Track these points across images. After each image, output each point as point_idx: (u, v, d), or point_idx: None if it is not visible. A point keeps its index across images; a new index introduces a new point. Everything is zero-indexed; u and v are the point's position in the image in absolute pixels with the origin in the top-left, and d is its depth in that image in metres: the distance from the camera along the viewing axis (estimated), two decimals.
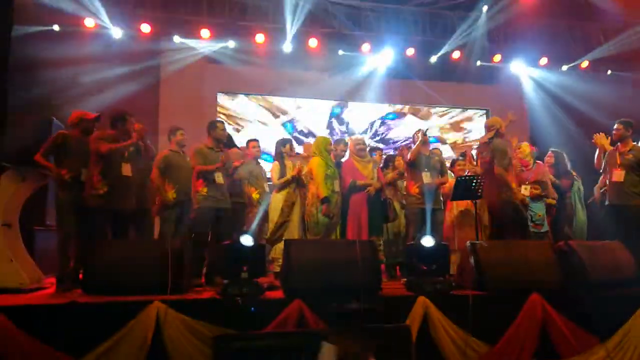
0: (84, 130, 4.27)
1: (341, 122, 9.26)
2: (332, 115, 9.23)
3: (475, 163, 5.07)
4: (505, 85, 9.53)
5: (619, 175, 4.62)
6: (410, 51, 8.91)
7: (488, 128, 5.03)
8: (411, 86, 9.34)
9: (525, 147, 5.38)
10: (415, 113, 9.70)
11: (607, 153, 4.89)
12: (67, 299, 3.35)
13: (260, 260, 3.65)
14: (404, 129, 9.47)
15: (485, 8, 8.69)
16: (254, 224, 4.22)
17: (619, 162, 4.68)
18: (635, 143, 4.81)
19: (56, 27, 7.41)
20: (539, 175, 5.18)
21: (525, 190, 4.93)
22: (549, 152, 5.73)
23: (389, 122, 9.56)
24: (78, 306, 3.25)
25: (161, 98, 8.33)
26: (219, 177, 4.55)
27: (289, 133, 8.67)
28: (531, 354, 3.64)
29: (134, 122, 4.47)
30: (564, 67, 9.43)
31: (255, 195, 5.17)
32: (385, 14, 8.81)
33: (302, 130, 8.93)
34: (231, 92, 8.88)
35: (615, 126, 4.83)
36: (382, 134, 9.43)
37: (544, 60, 9.31)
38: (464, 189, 4.77)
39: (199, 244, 4.35)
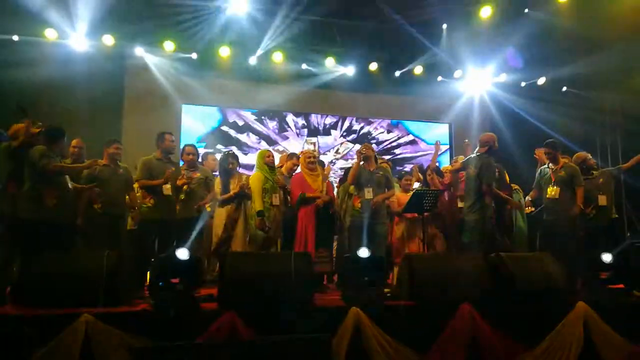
0: (23, 144, 4.28)
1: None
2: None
3: (419, 177, 5.26)
4: (466, 100, 9.81)
5: (554, 191, 4.86)
6: (374, 66, 9.12)
7: (483, 143, 5.15)
8: (373, 100, 9.57)
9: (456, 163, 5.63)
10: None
11: (540, 170, 5.16)
12: None
13: (195, 273, 3.70)
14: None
15: (445, 26, 8.99)
16: (191, 237, 4.27)
17: (553, 179, 4.93)
18: (565, 160, 5.08)
19: (15, 37, 7.42)
20: None
21: (461, 203, 5.11)
22: None
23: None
24: (7, 318, 3.26)
25: (126, 110, 8.35)
26: (167, 189, 4.60)
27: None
28: None
29: (73, 140, 4.53)
30: (523, 84, 9.75)
31: (207, 208, 5.22)
32: (348, 29, 9.02)
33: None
34: (196, 103, 8.96)
35: (544, 150, 5.10)
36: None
37: (503, 76, 9.60)
38: (417, 202, 4.96)
39: (141, 256, 4.39)
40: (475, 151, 5.25)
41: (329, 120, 9.64)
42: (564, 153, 5.53)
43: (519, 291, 4.01)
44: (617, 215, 5.63)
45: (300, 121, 9.48)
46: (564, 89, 9.65)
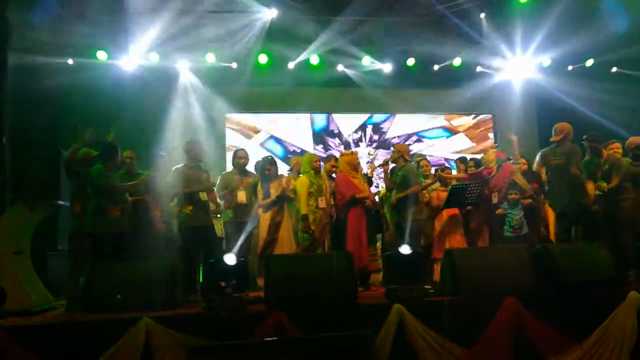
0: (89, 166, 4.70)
1: (332, 134, 9.49)
2: (317, 129, 9.50)
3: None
4: (507, 88, 9.58)
5: (602, 186, 4.79)
6: (411, 61, 9.09)
7: (558, 132, 5.09)
8: (411, 95, 9.54)
9: (491, 153, 5.53)
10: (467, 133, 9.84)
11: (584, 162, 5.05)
12: (68, 318, 3.69)
13: (243, 276, 3.90)
14: (397, 129, 9.67)
15: (482, 14, 8.84)
16: (238, 243, 4.48)
17: (599, 175, 4.84)
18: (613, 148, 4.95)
19: (70, 61, 7.95)
20: (505, 178, 5.28)
21: (494, 198, 5.06)
22: (521, 158, 5.85)
23: (381, 125, 9.71)
24: (76, 324, 3.58)
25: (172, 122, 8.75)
26: (203, 195, 4.85)
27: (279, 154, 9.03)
28: (507, 356, 3.75)
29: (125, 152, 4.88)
30: (570, 67, 9.41)
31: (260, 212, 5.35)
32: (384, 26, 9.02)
33: (293, 150, 9.24)
34: (241, 111, 9.27)
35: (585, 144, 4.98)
36: (378, 139, 9.59)
37: (546, 61, 9.30)
38: (456, 198, 4.96)
39: (188, 261, 4.66)
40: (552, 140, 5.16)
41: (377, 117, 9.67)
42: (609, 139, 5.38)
43: (566, 282, 3.96)
44: None
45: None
46: (614, 69, 9.21)
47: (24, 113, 6.24)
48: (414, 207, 5.07)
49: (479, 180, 5.36)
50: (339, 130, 9.54)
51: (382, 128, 9.66)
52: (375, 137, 9.58)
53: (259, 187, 5.05)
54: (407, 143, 9.48)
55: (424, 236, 5.31)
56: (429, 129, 9.79)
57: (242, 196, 4.98)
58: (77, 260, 4.67)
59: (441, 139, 9.75)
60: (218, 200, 5.25)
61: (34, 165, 4.67)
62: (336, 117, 9.57)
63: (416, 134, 9.71)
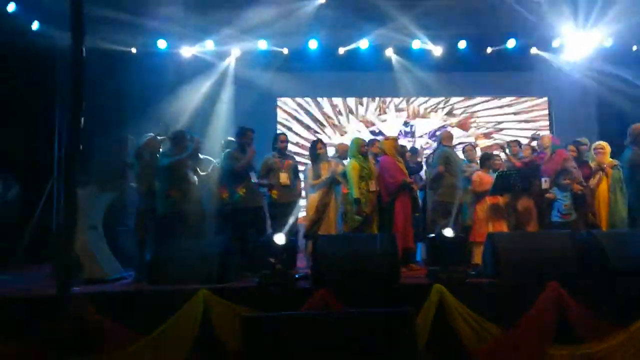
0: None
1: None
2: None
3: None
4: (564, 70, 9.25)
5: None
6: (462, 44, 8.97)
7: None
8: (464, 78, 9.41)
9: (547, 139, 5.47)
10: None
11: None
12: (136, 288, 4.11)
13: (291, 255, 4.17)
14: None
15: None
16: (288, 224, 4.75)
17: None
18: None
19: (134, 50, 8.45)
20: (557, 164, 5.23)
21: (545, 184, 5.03)
22: (571, 145, 5.74)
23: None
24: (144, 293, 3.99)
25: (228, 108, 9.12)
26: (284, 178, 5.17)
27: None
28: (549, 339, 3.82)
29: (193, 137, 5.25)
30: (634, 47, 8.95)
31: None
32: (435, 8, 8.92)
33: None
34: (293, 96, 9.53)
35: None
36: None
37: (609, 41, 8.86)
38: (502, 184, 5.01)
39: (242, 239, 4.99)
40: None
41: (430, 102, 9.67)
42: None
43: (612, 269, 3.95)
44: None
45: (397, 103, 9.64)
46: None
47: (94, 99, 6.78)
48: (441, 188, 5.33)
49: (529, 167, 5.36)
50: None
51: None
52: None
53: (309, 167, 5.23)
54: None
55: (461, 218, 5.41)
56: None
57: (284, 178, 5.21)
58: (143, 236, 5.14)
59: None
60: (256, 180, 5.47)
61: (103, 149, 5.12)
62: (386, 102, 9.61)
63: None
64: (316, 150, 5.46)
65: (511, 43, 8.91)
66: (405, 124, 9.58)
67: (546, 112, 9.73)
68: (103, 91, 7.02)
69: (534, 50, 9.06)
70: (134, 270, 4.97)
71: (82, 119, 3.47)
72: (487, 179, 5.26)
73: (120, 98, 7.27)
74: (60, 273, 3.29)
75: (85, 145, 3.58)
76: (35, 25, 7.25)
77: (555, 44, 8.96)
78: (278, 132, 5.76)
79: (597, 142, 5.70)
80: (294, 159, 5.61)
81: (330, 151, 6.25)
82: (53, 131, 7.12)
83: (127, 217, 5.72)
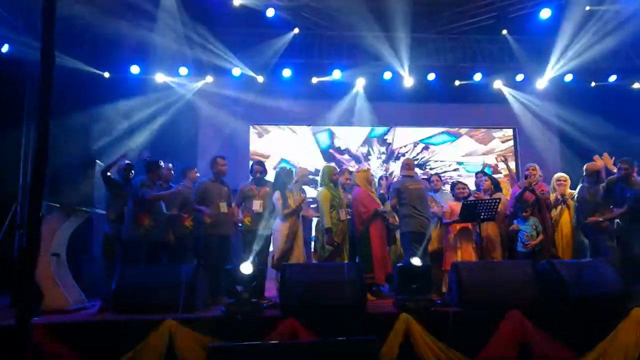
0: (124, 177, 5.23)
1: (339, 151, 9.72)
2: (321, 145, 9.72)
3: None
4: (528, 103, 9.67)
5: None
6: (432, 76, 9.27)
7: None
8: (432, 110, 9.71)
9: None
10: (471, 135, 9.97)
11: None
12: (100, 317, 4.02)
13: (259, 283, 4.17)
14: (402, 139, 9.87)
15: (505, 31, 8.99)
16: (253, 252, 4.75)
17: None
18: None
19: (106, 74, 8.43)
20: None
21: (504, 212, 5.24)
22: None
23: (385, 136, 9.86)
24: (106, 323, 3.90)
25: (200, 136, 9.13)
26: (223, 207, 5.17)
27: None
28: None
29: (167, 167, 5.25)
30: (593, 84, 9.44)
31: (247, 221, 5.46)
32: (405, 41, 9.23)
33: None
34: (264, 124, 9.61)
35: (622, 166, 5.10)
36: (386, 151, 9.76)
37: (569, 77, 9.32)
38: (469, 213, 5.13)
39: (210, 268, 4.95)
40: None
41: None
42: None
43: (571, 297, 4.08)
44: None
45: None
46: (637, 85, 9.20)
47: (62, 123, 6.73)
48: (399, 220, 5.50)
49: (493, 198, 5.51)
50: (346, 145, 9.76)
51: (386, 139, 9.80)
52: (382, 149, 9.72)
53: (278, 196, 5.29)
54: (414, 152, 9.75)
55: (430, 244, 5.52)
56: (434, 135, 9.92)
57: (256, 205, 5.24)
58: (110, 264, 5.06)
59: (446, 144, 9.88)
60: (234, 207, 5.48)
61: (69, 174, 5.05)
62: (339, 132, 9.76)
63: (421, 141, 9.85)
64: (284, 178, 5.48)
65: (478, 77, 9.27)
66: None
67: (511, 143, 10.05)
68: (72, 116, 6.99)
69: (497, 84, 9.42)
70: (100, 299, 4.86)
71: (48, 142, 3.41)
72: (458, 208, 5.38)
73: (90, 123, 7.18)
74: (20, 302, 3.19)
75: (52, 169, 3.54)
76: (5, 48, 7.20)
77: (518, 78, 9.37)
78: (254, 160, 5.76)
79: (559, 174, 5.90)
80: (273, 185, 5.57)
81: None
82: (19, 155, 7.00)
83: (92, 245, 5.63)
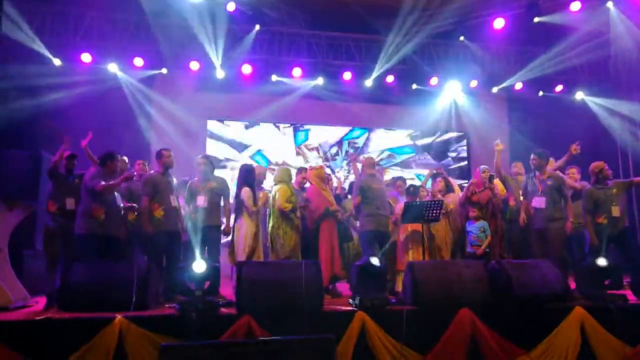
0: (67, 168, 4.94)
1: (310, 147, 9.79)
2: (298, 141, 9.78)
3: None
4: (480, 108, 10.02)
5: (540, 201, 5.07)
6: (390, 78, 9.41)
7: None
8: (388, 111, 9.87)
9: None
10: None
11: (525, 179, 5.37)
12: (44, 315, 3.83)
13: (214, 281, 4.09)
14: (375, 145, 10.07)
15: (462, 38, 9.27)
16: (204, 249, 4.68)
17: (540, 189, 5.12)
18: (551, 170, 5.28)
19: (57, 62, 8.03)
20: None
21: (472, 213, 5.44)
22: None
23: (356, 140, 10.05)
24: (52, 322, 3.72)
25: (152, 130, 8.86)
26: (173, 200, 5.04)
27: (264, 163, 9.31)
28: None
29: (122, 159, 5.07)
30: (540, 93, 9.89)
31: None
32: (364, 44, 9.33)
33: (276, 162, 9.51)
34: (223, 118, 9.47)
35: (532, 156, 5.27)
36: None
37: (519, 85, 9.70)
38: (413, 214, 5.22)
39: (162, 264, 4.83)
40: None
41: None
42: (572, 162, 5.76)
43: (518, 296, 4.25)
44: (628, 224, 5.70)
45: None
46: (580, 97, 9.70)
47: (4, 112, 6.38)
48: (362, 218, 5.53)
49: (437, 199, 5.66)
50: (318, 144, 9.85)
51: (356, 143, 9.95)
52: (351, 151, 9.86)
53: (247, 194, 5.20)
54: (380, 157, 9.92)
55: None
56: (403, 146, 10.25)
57: (200, 200, 5.12)
58: (53, 259, 4.83)
59: (409, 154, 10.25)
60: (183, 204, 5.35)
61: (13, 165, 4.79)
62: (315, 130, 9.84)
63: (389, 150, 10.16)
64: (254, 175, 5.41)
65: (434, 81, 9.51)
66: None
67: (465, 145, 10.38)
68: (17, 105, 6.64)
69: (454, 88, 9.70)
70: (45, 296, 4.63)
71: None
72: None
73: (36, 112, 6.83)
74: None
75: None
76: None
77: (473, 84, 9.68)
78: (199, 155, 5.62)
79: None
80: (221, 181, 5.43)
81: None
82: None
83: (36, 239, 5.36)
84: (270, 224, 5.33)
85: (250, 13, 8.56)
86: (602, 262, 4.48)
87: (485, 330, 4.06)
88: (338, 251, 5.51)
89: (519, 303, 4.24)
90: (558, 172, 5.34)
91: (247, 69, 8.88)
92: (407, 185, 6.06)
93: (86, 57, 8.12)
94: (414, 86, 9.69)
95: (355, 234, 5.97)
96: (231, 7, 8.08)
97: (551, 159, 5.60)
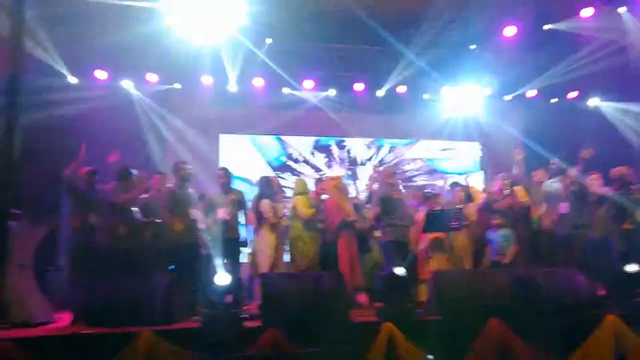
0: (87, 183, 4.95)
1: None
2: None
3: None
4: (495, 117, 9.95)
5: (565, 207, 5.00)
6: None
7: None
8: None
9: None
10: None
11: (546, 186, 5.31)
12: (71, 331, 3.82)
13: (238, 294, 4.07)
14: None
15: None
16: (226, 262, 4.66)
17: (563, 195, 5.06)
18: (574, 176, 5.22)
19: (74, 80, 8.11)
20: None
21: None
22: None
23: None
24: (78, 337, 3.71)
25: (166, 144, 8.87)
26: (193, 214, 5.02)
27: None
28: None
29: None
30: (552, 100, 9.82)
31: None
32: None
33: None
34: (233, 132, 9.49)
35: (552, 162, 5.21)
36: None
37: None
38: (435, 222, 5.18)
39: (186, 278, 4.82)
40: None
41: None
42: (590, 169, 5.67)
43: (547, 305, 4.17)
44: None
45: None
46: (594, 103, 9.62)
47: (28, 129, 6.41)
48: (382, 229, 5.42)
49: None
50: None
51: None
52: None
53: (268, 206, 5.19)
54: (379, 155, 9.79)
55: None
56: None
57: (221, 213, 5.10)
58: (76, 275, 4.82)
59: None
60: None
61: (36, 181, 4.83)
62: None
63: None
64: (273, 187, 5.41)
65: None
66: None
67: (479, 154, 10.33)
68: (38, 121, 6.68)
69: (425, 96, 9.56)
70: (70, 312, 4.61)
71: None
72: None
73: (56, 129, 6.89)
74: None
75: (19, 176, 3.37)
76: None
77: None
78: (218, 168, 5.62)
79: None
80: (241, 193, 5.46)
81: None
82: None
83: (59, 255, 5.37)
84: (290, 235, 5.31)
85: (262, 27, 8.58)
86: (631, 268, 4.39)
87: (516, 341, 3.97)
88: (358, 262, 5.47)
89: (548, 312, 4.15)
90: (582, 177, 5.28)
91: (259, 82, 8.90)
92: (425, 191, 6.02)
93: (101, 75, 8.21)
94: (425, 96, 9.65)
95: (373, 244, 5.91)
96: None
97: (541, 170, 5.57)
